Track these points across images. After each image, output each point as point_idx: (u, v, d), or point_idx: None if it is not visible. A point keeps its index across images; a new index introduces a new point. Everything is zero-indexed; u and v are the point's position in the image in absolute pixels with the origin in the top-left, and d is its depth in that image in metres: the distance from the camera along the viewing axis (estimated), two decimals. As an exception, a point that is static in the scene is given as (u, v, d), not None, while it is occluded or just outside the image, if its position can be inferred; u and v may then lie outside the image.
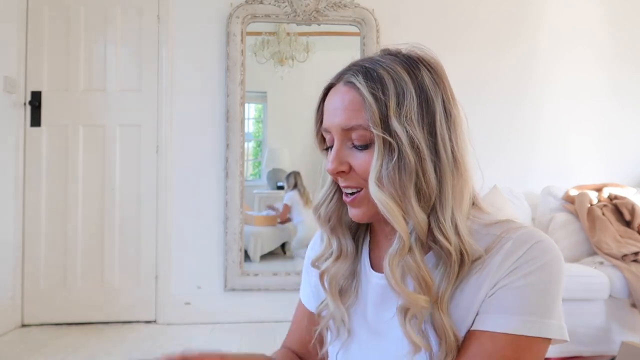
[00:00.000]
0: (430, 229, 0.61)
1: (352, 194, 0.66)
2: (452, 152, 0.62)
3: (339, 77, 0.67)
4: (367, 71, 0.63)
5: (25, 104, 2.56)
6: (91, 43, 2.62)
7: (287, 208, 3.24)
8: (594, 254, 2.34)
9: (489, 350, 0.57)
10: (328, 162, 0.66)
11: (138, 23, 2.63)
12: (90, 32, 2.61)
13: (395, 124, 0.60)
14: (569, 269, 2.13)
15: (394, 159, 0.60)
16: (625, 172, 2.94)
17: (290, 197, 3.22)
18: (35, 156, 2.57)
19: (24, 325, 2.51)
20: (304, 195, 3.19)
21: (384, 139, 0.60)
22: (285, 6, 2.69)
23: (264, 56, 3.15)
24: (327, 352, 0.76)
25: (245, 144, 2.70)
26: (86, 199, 2.58)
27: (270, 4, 2.68)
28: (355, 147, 0.64)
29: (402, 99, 0.60)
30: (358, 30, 2.75)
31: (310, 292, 0.82)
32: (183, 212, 2.62)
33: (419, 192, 0.60)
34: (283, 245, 3.28)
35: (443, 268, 0.61)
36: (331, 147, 0.67)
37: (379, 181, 0.60)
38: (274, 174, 3.45)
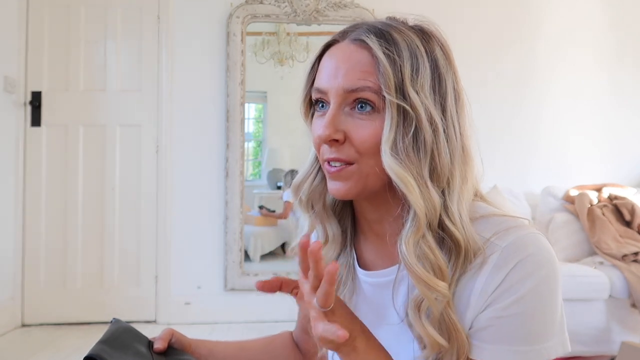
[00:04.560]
0: (439, 215, 0.56)
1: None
2: (461, 136, 0.58)
3: (344, 34, 0.60)
4: (380, 31, 0.57)
5: (25, 104, 2.56)
6: (91, 43, 2.61)
7: (290, 205, 3.24)
8: (594, 254, 2.34)
9: None
10: (320, 127, 0.57)
11: (138, 23, 2.63)
12: (90, 32, 2.61)
13: (412, 93, 0.54)
14: (569, 269, 2.13)
15: (411, 131, 0.54)
16: (625, 172, 2.94)
17: (289, 195, 3.23)
18: (36, 156, 2.56)
19: (24, 325, 2.50)
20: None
21: (399, 106, 0.54)
22: (285, 6, 2.69)
23: (264, 56, 3.15)
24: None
25: (245, 144, 2.70)
26: (86, 199, 2.58)
27: (270, 4, 2.68)
28: (355, 113, 0.57)
29: (417, 68, 0.55)
30: (358, 30, 2.75)
31: None
32: (183, 212, 2.62)
33: (432, 172, 0.55)
34: (283, 245, 3.29)
35: (449, 260, 0.56)
36: (322, 114, 0.59)
37: (394, 152, 0.54)
38: (274, 174, 3.46)
